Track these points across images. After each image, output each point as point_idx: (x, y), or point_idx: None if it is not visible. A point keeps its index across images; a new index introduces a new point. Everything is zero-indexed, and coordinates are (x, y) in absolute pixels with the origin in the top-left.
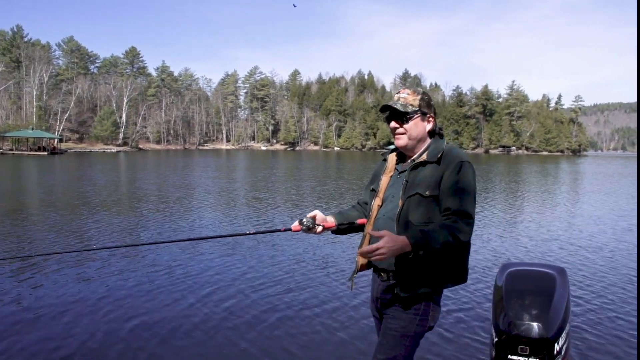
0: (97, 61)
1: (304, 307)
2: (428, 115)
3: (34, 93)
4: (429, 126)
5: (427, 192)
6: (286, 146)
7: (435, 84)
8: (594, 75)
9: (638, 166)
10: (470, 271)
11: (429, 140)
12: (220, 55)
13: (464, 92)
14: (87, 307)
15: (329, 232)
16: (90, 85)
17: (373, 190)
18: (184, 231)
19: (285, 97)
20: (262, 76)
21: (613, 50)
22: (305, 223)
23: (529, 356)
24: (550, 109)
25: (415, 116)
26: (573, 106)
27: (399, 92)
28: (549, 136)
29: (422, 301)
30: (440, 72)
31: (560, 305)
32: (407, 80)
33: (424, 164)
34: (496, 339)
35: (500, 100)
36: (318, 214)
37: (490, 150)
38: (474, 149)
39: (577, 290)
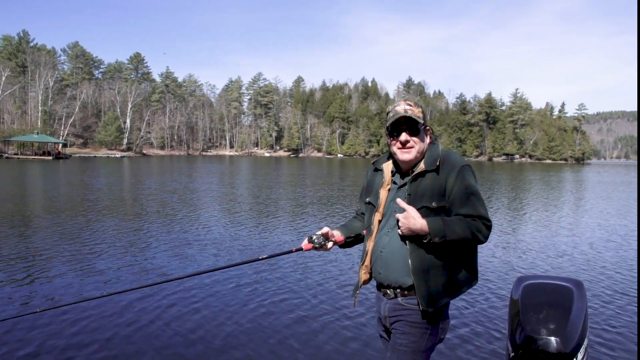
0: (102, 66)
1: (311, 320)
2: (427, 127)
3: (39, 98)
4: (428, 139)
5: (433, 204)
6: (289, 153)
7: (439, 92)
8: (597, 83)
9: (638, 171)
10: (484, 284)
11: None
12: (224, 62)
13: (467, 99)
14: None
15: (337, 246)
16: (94, 90)
17: (369, 203)
18: (193, 246)
19: (289, 103)
20: (266, 83)
21: (614, 58)
22: (316, 241)
23: None
24: (554, 117)
25: (422, 129)
26: (577, 114)
27: (400, 104)
28: (552, 144)
29: (432, 315)
30: (443, 80)
31: (579, 320)
32: (411, 87)
33: (423, 174)
34: (512, 354)
35: (504, 108)
36: (327, 230)
37: (493, 158)
38: (477, 156)
39: (594, 304)
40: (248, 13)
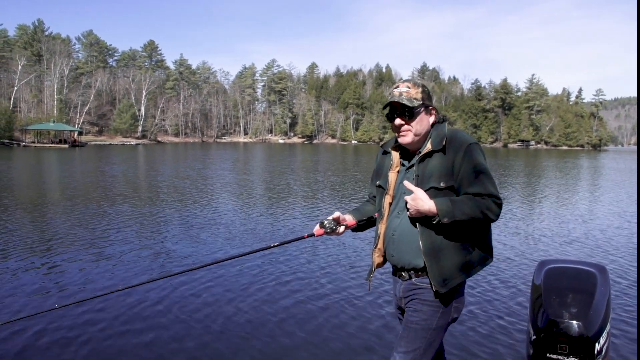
0: (116, 54)
1: (326, 307)
2: (431, 107)
3: (55, 86)
4: (432, 119)
5: (441, 184)
6: (304, 139)
7: (454, 77)
8: (615, 68)
9: (638, 164)
10: (504, 268)
11: (430, 131)
12: (237, 49)
13: (482, 85)
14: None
15: (349, 230)
16: (109, 78)
17: (380, 186)
18: (206, 232)
19: (303, 90)
20: (280, 69)
21: (632, 43)
22: (327, 226)
23: (568, 355)
24: (571, 103)
25: (421, 111)
26: (594, 100)
27: (398, 87)
28: (568, 130)
29: (445, 293)
30: (457, 66)
31: (601, 304)
32: (425, 73)
33: (430, 154)
34: (534, 337)
35: (520, 94)
36: (339, 214)
37: (508, 145)
38: (492, 143)
39: (615, 290)
40: None
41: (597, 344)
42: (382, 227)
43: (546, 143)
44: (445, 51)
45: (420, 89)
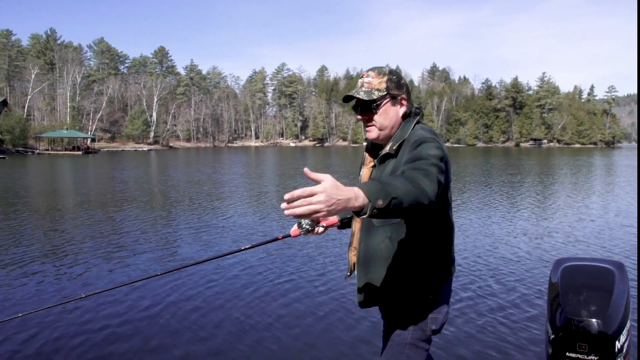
0: (127, 61)
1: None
2: (399, 97)
3: (67, 94)
4: (402, 110)
5: None
6: (315, 142)
7: (464, 77)
8: (627, 64)
9: (638, 164)
10: (520, 267)
11: (401, 123)
12: (247, 53)
13: (493, 85)
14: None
15: (335, 228)
16: (120, 85)
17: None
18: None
19: (313, 93)
20: (290, 73)
21: None
22: (304, 226)
23: (588, 354)
24: (583, 100)
25: (384, 102)
26: (606, 97)
27: (362, 77)
28: (581, 128)
29: (417, 304)
30: (468, 66)
31: (620, 301)
32: (436, 73)
33: (389, 156)
34: (552, 336)
35: (531, 92)
36: None
37: (520, 144)
38: (504, 142)
39: (634, 286)
40: (270, 3)
41: (617, 342)
42: (356, 225)
43: (558, 141)
44: (455, 51)
45: (385, 78)
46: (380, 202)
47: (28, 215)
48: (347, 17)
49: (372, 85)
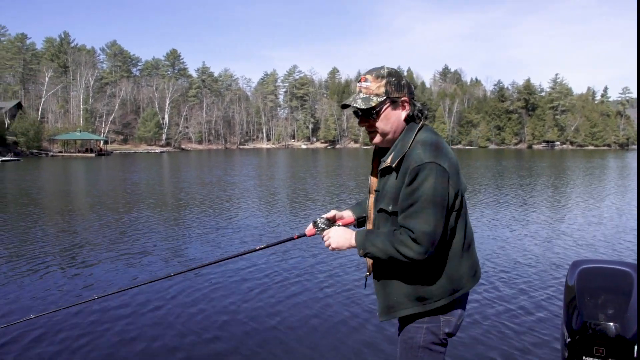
0: (139, 64)
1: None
2: (400, 100)
3: (80, 97)
4: (404, 113)
5: (390, 207)
6: (326, 144)
7: (476, 79)
8: None
9: (638, 165)
10: (536, 270)
11: (404, 127)
12: (259, 55)
13: (505, 86)
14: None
15: (352, 226)
16: (133, 87)
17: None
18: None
19: (325, 95)
20: (301, 75)
21: None
22: (320, 226)
23: (605, 358)
24: (596, 101)
25: (384, 108)
26: (620, 98)
27: (360, 81)
28: (594, 130)
29: (428, 306)
30: (479, 67)
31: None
32: (447, 75)
33: (389, 169)
34: (569, 340)
35: (543, 94)
36: (334, 213)
37: (533, 146)
38: (516, 144)
39: None
40: (282, 5)
41: (636, 347)
42: (369, 226)
43: (572, 143)
44: (467, 52)
45: (384, 81)
46: (360, 252)
47: (41, 217)
48: (358, 19)
49: (370, 91)
